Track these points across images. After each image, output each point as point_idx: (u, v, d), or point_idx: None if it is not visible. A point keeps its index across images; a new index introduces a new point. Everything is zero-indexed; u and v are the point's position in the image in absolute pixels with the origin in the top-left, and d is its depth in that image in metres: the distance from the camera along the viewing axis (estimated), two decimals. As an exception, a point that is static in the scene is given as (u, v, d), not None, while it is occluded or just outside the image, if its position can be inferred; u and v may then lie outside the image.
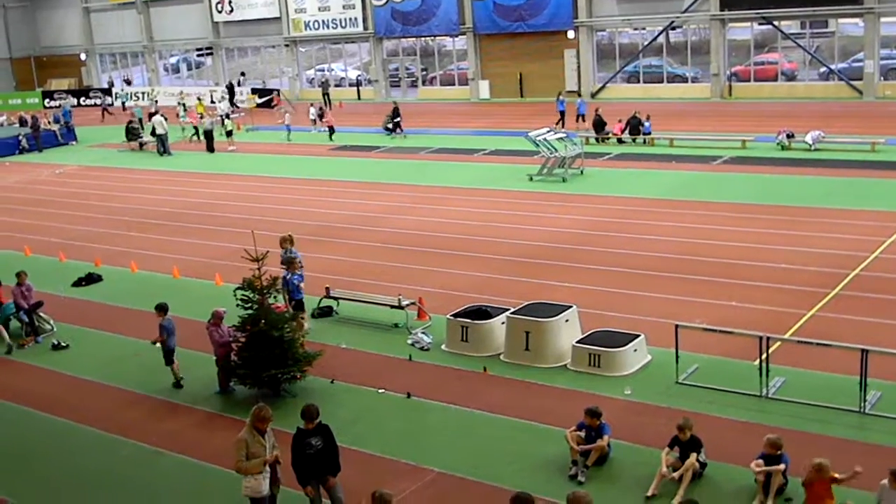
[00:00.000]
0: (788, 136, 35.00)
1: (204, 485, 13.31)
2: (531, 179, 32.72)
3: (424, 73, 62.17)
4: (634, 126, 39.00)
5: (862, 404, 13.87)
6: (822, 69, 49.10)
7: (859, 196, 27.14)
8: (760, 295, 19.26)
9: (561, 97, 45.61)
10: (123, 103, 60.93)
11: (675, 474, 12.10)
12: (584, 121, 43.44)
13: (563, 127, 42.02)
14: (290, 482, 11.35)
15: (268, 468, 11.02)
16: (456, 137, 43.85)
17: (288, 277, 18.16)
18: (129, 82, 64.63)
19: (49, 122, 52.38)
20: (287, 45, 65.40)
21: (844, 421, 13.70)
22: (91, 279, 23.76)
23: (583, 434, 12.94)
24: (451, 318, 17.69)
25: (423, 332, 18.17)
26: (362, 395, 15.89)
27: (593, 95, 53.11)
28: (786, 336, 16.50)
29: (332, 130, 46.19)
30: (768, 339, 14.89)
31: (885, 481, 10.73)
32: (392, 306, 19.06)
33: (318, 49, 66.34)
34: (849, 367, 14.17)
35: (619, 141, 39.14)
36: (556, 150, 33.41)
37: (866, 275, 20.08)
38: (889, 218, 24.19)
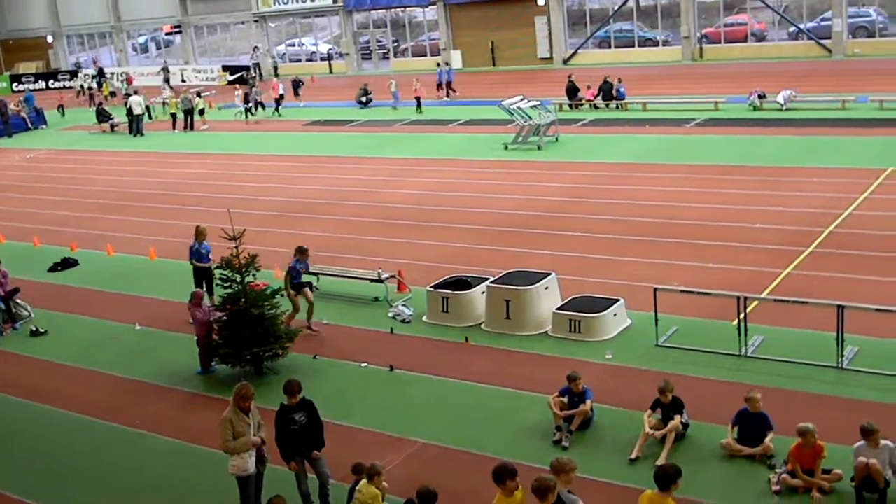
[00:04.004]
0: (760, 97, 35.13)
1: (189, 465, 13.34)
2: (506, 148, 32.71)
3: (396, 44, 61.83)
4: (606, 91, 39.02)
5: (839, 360, 14.04)
6: (791, 29, 49.19)
7: (831, 154, 27.31)
8: (737, 255, 19.41)
9: (439, 68, 47.32)
10: (100, 84, 60.30)
11: (658, 434, 12.23)
12: (441, 88, 45.40)
13: (447, 96, 44.37)
14: (276, 459, 11.39)
15: (254, 445, 11.06)
16: (430, 108, 43.67)
17: (294, 264, 17.71)
18: (101, 72, 64.00)
19: (19, 106, 51.69)
20: (256, 21, 64.84)
21: (823, 377, 13.87)
22: (67, 264, 23.62)
23: (566, 399, 13.04)
24: (431, 289, 17.73)
25: (403, 305, 18.20)
26: (345, 370, 15.94)
27: (565, 62, 53.01)
28: (763, 295, 16.68)
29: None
30: (745, 298, 15.04)
31: (859, 443, 10.86)
32: (372, 280, 19.08)
33: (287, 24, 65.83)
34: (825, 324, 14.32)
35: (594, 107, 39.16)
36: (530, 117, 33.40)
37: (840, 232, 20.27)
38: (861, 174, 24.37)
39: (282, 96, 47.30)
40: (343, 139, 38.84)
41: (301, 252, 17.73)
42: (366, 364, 16.01)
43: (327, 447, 11.51)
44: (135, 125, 44.64)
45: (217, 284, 15.82)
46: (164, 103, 48.96)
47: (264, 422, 11.33)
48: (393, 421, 13.88)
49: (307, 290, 17.75)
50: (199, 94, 46.73)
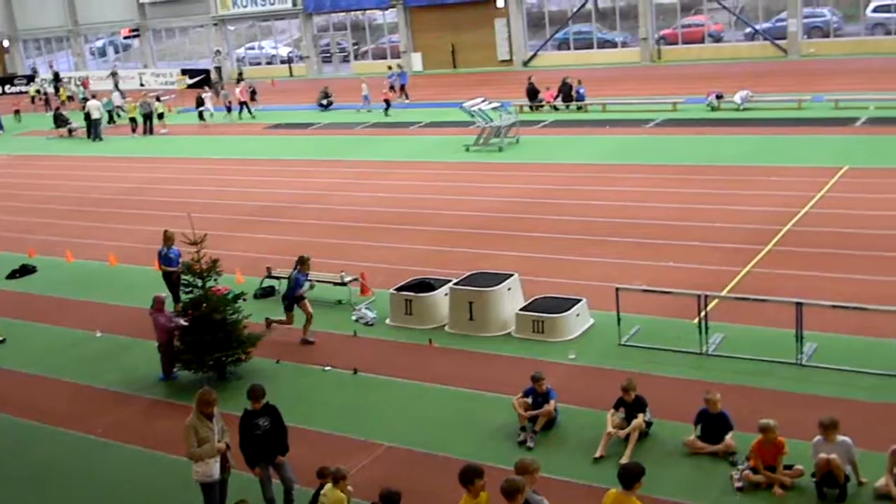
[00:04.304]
0: (718, 97, 35.51)
1: (153, 472, 13.22)
2: (468, 150, 32.78)
3: (356, 47, 61.76)
4: (566, 92, 39.23)
5: (799, 356, 14.22)
6: (748, 30, 49.77)
7: (788, 153, 27.66)
8: (697, 254, 19.60)
9: (391, 70, 48.03)
10: (56, 89, 59.64)
11: (622, 433, 12.32)
12: (394, 91, 45.44)
13: (405, 98, 44.78)
14: (241, 464, 11.33)
15: (218, 451, 11.00)
16: (391, 111, 43.66)
17: (296, 275, 17.19)
18: (57, 76, 63.38)
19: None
20: (215, 24, 64.47)
21: (783, 373, 14.03)
22: (25, 271, 23.35)
23: (530, 400, 13.09)
24: (395, 291, 17.73)
25: (366, 308, 18.19)
26: (309, 374, 15.89)
27: (525, 63, 53.24)
28: (723, 293, 16.86)
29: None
30: (706, 297, 15.20)
31: (818, 438, 11.01)
32: (335, 283, 19.04)
33: (247, 27, 65.53)
34: (785, 321, 14.51)
35: (554, 108, 39.35)
36: (491, 119, 33.51)
37: (797, 230, 20.52)
38: (817, 173, 24.70)
39: (251, 98, 47.16)
40: (304, 142, 38.74)
41: (302, 262, 17.19)
42: (329, 368, 15.97)
43: (292, 452, 11.48)
44: (93, 130, 44.21)
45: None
46: (118, 109, 48.51)
47: (228, 427, 11.27)
48: (357, 424, 13.86)
49: (306, 301, 17.26)
50: (158, 98, 46.44)
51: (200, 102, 46.31)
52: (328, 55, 62.69)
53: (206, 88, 50.97)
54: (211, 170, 34.75)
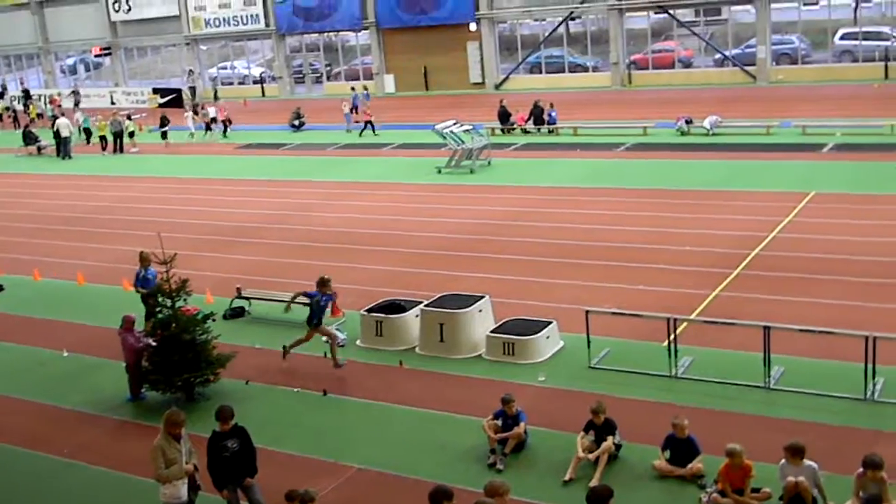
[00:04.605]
0: (687, 122, 35.84)
1: (121, 494, 13.09)
2: (440, 172, 32.86)
3: (329, 68, 61.83)
4: (538, 116, 39.46)
5: (766, 380, 14.33)
6: (717, 56, 50.31)
7: (756, 178, 27.96)
8: (666, 278, 19.72)
9: (354, 91, 48.07)
10: (26, 107, 59.20)
11: (591, 456, 12.34)
12: (356, 112, 45.51)
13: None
14: (208, 486, 11.24)
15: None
16: (365, 132, 43.74)
17: (317, 298, 16.63)
18: (27, 94, 63.06)
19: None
20: (188, 44, 64.36)
21: (751, 397, 14.13)
22: (-8, 289, 23.12)
23: (500, 422, 13.10)
24: (365, 313, 17.71)
25: (337, 329, 18.13)
26: (278, 395, 15.81)
27: (497, 87, 53.49)
28: (692, 317, 16.98)
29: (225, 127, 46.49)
30: (675, 320, 15.30)
31: (783, 461, 11.08)
32: (305, 304, 18.94)
33: (220, 47, 65.44)
34: (752, 345, 14.62)
35: (525, 131, 39.55)
36: (462, 141, 33.63)
37: (766, 254, 20.72)
38: (785, 198, 24.97)
39: (213, 120, 47.05)
40: (276, 163, 38.67)
41: (323, 284, 16.65)
42: (299, 389, 15.90)
43: (260, 474, 11.40)
44: (63, 148, 43.90)
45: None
46: (79, 127, 48.04)
47: (196, 449, 11.18)
48: (327, 446, 13.80)
49: (325, 325, 16.84)
50: (129, 117, 46.22)
51: (164, 122, 46.09)
52: (301, 76, 62.70)
53: (187, 107, 50.75)
54: (181, 189, 34.59)
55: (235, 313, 19.72)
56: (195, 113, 48.39)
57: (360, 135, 42.33)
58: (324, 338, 16.79)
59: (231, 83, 64.48)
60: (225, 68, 65.63)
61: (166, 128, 45.71)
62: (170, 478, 10.72)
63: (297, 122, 46.16)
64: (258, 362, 17.11)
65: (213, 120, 46.53)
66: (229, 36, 63.52)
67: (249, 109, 54.86)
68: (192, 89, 61.49)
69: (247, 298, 19.79)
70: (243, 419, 11.66)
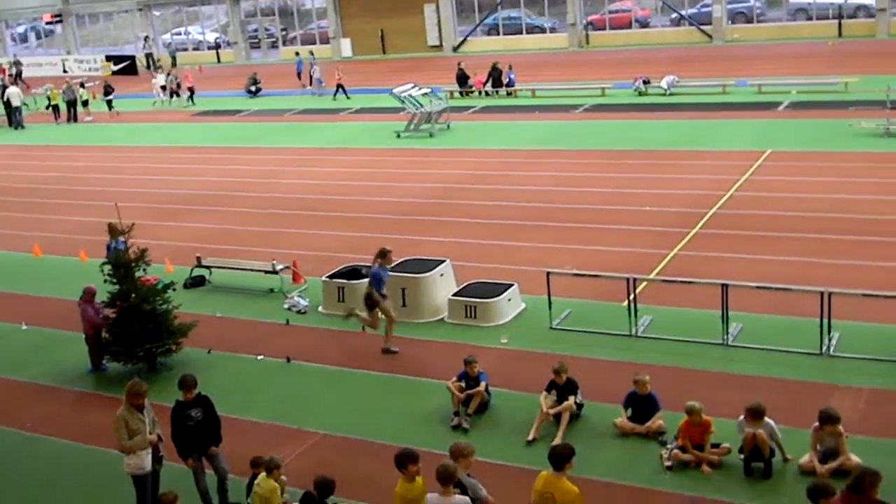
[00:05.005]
0: (645, 82, 36.00)
1: (84, 466, 13.03)
2: (399, 136, 32.76)
3: (284, 33, 61.19)
4: (496, 78, 39.40)
5: (725, 337, 14.53)
6: (674, 15, 50.45)
7: (714, 137, 28.18)
8: (626, 238, 19.86)
9: (298, 56, 48.49)
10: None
11: (552, 412, 12.46)
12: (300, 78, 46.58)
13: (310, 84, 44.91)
14: (173, 456, 11.24)
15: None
16: (320, 97, 43.47)
17: (376, 270, 15.44)
18: None
19: None
20: (140, 10, 63.32)
21: (710, 354, 14.32)
22: (-54, 263, 22.79)
23: (463, 384, 13.20)
24: (327, 279, 17.68)
25: (299, 296, 18.12)
26: (241, 363, 15.79)
27: (455, 49, 53.29)
28: (651, 276, 17.14)
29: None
30: (635, 280, 15.43)
31: (742, 418, 11.28)
32: (266, 272, 18.92)
33: (173, 12, 64.48)
34: (711, 303, 14.76)
35: (485, 94, 39.49)
36: (421, 105, 33.51)
37: (723, 213, 20.94)
38: (741, 157, 25.20)
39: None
40: (233, 129, 38.34)
41: (383, 255, 15.41)
42: (262, 356, 15.89)
43: (225, 442, 11.41)
44: (14, 118, 43.15)
45: (105, 280, 15.41)
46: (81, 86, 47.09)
47: (159, 419, 11.16)
48: (291, 413, 13.83)
49: (387, 303, 15.51)
50: (82, 85, 45.51)
51: (108, 91, 45.37)
52: (256, 41, 62.04)
53: (154, 74, 49.94)
54: (138, 158, 34.19)
55: (196, 282, 19.63)
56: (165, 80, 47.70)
57: (334, 98, 42.02)
58: (381, 315, 15.52)
59: (185, 49, 63.62)
60: (179, 34, 64.71)
61: (111, 96, 45.02)
62: (133, 448, 10.70)
63: (253, 88, 45.77)
64: (220, 331, 17.05)
65: (179, 86, 45.90)
66: (183, 1, 62.58)
67: (205, 76, 54.19)
68: (149, 56, 60.60)
69: (207, 267, 19.68)
70: (207, 388, 11.65)
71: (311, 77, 45.65)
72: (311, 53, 48.94)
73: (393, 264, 15.84)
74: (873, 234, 18.62)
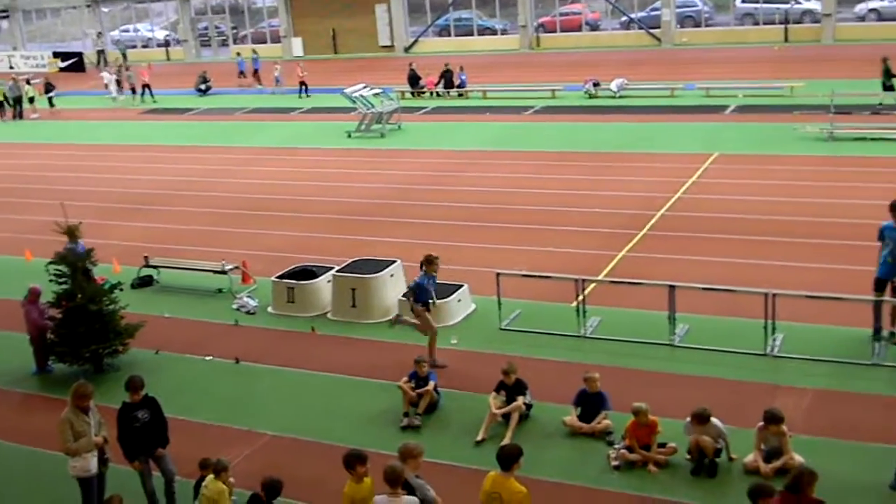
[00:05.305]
0: (595, 85, 36.27)
1: (28, 469, 12.84)
2: (349, 136, 32.71)
3: (235, 31, 60.76)
4: (448, 79, 39.49)
5: (672, 337, 14.71)
6: (623, 18, 50.90)
7: (662, 140, 28.49)
8: (575, 239, 20.02)
9: (239, 56, 48.93)
10: None
11: (501, 412, 12.52)
12: (244, 76, 47.12)
13: (258, 84, 45.32)
14: (119, 458, 11.13)
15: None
16: (271, 96, 43.25)
17: (421, 279, 14.67)
18: None
19: None
20: (89, 6, 62.46)
21: (657, 354, 14.49)
22: None
23: (413, 384, 13.23)
24: (276, 279, 17.62)
25: (248, 296, 18.02)
26: (189, 364, 15.67)
27: (406, 49, 53.29)
28: (599, 277, 17.29)
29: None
30: (584, 281, 15.57)
31: (688, 420, 11.44)
32: (215, 272, 18.80)
33: (122, 9, 63.73)
34: (658, 304, 14.95)
35: (437, 94, 39.55)
36: (372, 105, 33.48)
37: (671, 215, 21.18)
38: (689, 160, 25.51)
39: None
40: (183, 128, 37.98)
41: (429, 262, 14.65)
42: (210, 357, 15.79)
43: (172, 444, 11.32)
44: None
45: (51, 280, 15.21)
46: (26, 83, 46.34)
47: (105, 420, 11.05)
48: (240, 414, 13.75)
49: (429, 315, 14.66)
50: (28, 82, 44.80)
51: (49, 88, 44.71)
52: (206, 39, 61.53)
53: (110, 71, 49.24)
54: (85, 156, 33.76)
55: (143, 282, 19.44)
56: (118, 77, 47.12)
57: (300, 96, 41.93)
58: (425, 330, 14.71)
59: (134, 46, 62.89)
60: (127, 31, 63.97)
61: (52, 93, 44.37)
62: (79, 451, 10.58)
63: (203, 87, 45.40)
64: (168, 331, 16.91)
65: (147, 86, 45.22)
66: (131, -3, 61.96)
67: (154, 73, 53.53)
68: (101, 52, 59.80)
69: (155, 267, 19.50)
70: (154, 389, 11.56)
71: (254, 73, 45.93)
72: (255, 52, 48.74)
73: (437, 268, 14.73)
74: (817, 237, 18.96)
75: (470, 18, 54.34)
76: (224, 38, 61.08)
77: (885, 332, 14.13)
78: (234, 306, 17.83)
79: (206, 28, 61.50)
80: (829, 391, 13.00)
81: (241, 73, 46.24)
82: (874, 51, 32.26)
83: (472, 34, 53.87)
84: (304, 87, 42.02)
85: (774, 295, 14.14)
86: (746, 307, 14.84)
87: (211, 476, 10.28)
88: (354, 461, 9.06)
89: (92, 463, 10.70)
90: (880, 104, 29.52)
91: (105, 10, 63.43)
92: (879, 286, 14.21)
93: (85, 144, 36.01)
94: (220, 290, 18.67)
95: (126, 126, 39.56)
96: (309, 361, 15.34)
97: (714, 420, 11.32)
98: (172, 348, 16.21)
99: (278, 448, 12.78)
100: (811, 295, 14.74)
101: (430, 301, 14.61)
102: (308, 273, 17.60)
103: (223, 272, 18.69)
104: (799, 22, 47.08)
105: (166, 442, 11.23)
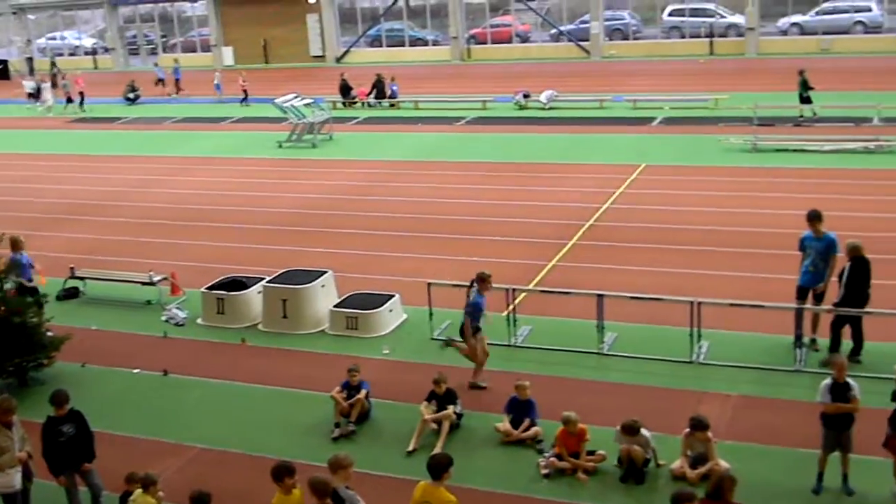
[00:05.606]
0: (525, 96, 36.63)
1: (-52, 485, 12.56)
2: (280, 146, 32.57)
3: (164, 40, 60.09)
4: (380, 89, 39.53)
5: (600, 346, 14.92)
6: (553, 31, 51.49)
7: (591, 151, 28.87)
8: (506, 249, 20.17)
9: (157, 66, 48.91)
10: None
11: (431, 418, 12.57)
12: (163, 85, 46.92)
13: (176, 93, 45.69)
14: (44, 473, 10.94)
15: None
16: (201, 106, 42.87)
17: (475, 297, 14.01)
18: None
19: None
20: (14, 13, 61.24)
21: (586, 363, 14.67)
22: None
23: (345, 393, 13.22)
24: (206, 290, 17.46)
25: (177, 308, 17.83)
26: (117, 377, 15.45)
27: (338, 60, 53.25)
28: (530, 287, 17.45)
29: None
30: (514, 290, 15.71)
31: (619, 430, 11.62)
32: (143, 283, 18.57)
33: (48, 16, 62.60)
34: (587, 313, 15.14)
35: (368, 105, 39.57)
36: (304, 116, 33.39)
37: (599, 225, 21.48)
38: (617, 170, 25.89)
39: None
40: (111, 137, 37.46)
41: (483, 280, 14.00)
42: (139, 370, 15.59)
43: (100, 458, 11.16)
44: None
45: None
46: None
47: (28, 436, 10.85)
48: (168, 427, 13.60)
49: (482, 335, 14.14)
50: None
51: None
52: (135, 47, 60.74)
53: (45, 79, 48.31)
54: (10, 165, 33.09)
55: (69, 294, 19.12)
56: (54, 85, 46.24)
57: (241, 104, 41.70)
58: (472, 354, 14.15)
59: (62, 54, 61.84)
60: (54, 38, 62.88)
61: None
62: (2, 466, 10.38)
63: (132, 96, 44.83)
64: (95, 344, 16.64)
65: (82, 93, 44.44)
66: (59, 5, 60.93)
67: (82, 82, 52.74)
68: (30, 60, 58.62)
69: (81, 278, 19.20)
70: (81, 403, 11.38)
71: (175, 83, 46.00)
72: (176, 61, 48.34)
73: (490, 286, 14.17)
74: (740, 246, 19.37)
75: (402, 29, 54.51)
76: (153, 46, 60.38)
77: (806, 339, 14.50)
78: (163, 318, 17.63)
79: (134, 36, 60.74)
80: (752, 398, 13.29)
81: (160, 81, 45.99)
82: (796, 64, 33.09)
83: (403, 45, 54.04)
84: (246, 96, 41.73)
85: (700, 303, 14.43)
86: (673, 316, 15.10)
87: (139, 490, 10.17)
88: (282, 473, 9.05)
89: (16, 479, 10.52)
90: (801, 116, 30.29)
91: (31, 17, 62.25)
92: (801, 294, 14.59)
93: (9, 154, 35.29)
94: (148, 302, 18.44)
95: (53, 135, 38.87)
96: (239, 373, 15.23)
97: (643, 431, 11.51)
98: (100, 361, 15.97)
99: (207, 461, 12.67)
100: (735, 303, 15.08)
101: (480, 324, 13.98)
102: (238, 284, 17.48)
103: (152, 283, 18.47)
104: (724, 35, 48.12)
105: (93, 456, 11.07)
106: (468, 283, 14.13)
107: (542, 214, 22.47)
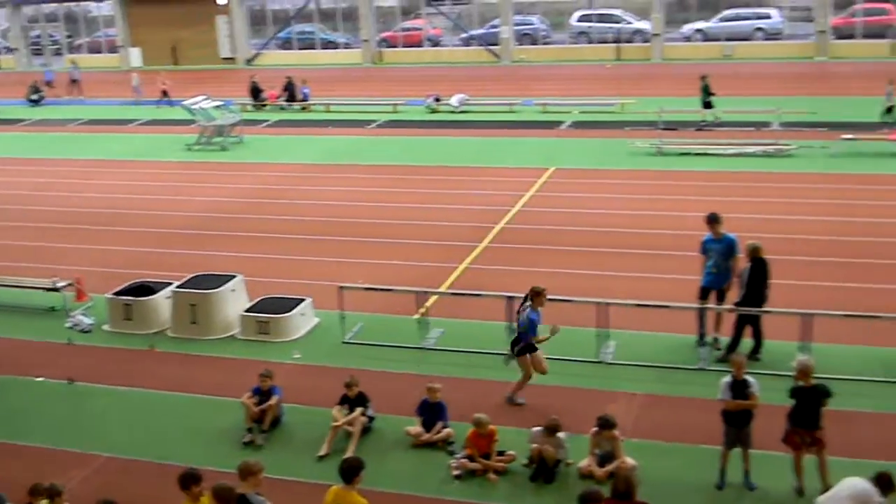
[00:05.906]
0: (436, 100, 36.80)
1: None
2: (189, 149, 32.14)
3: (70, 40, 58.75)
4: (291, 92, 39.30)
5: (510, 348, 15.05)
6: (464, 35, 51.83)
7: (501, 154, 29.16)
8: (417, 252, 20.27)
9: (47, 67, 48.70)
10: None
11: (343, 421, 12.58)
12: (50, 86, 46.15)
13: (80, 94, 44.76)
14: (-57, 485, 10.66)
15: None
16: (108, 108, 42.05)
17: (529, 314, 13.37)
18: None
19: None
20: None
21: (496, 364, 14.78)
22: None
23: (257, 399, 13.14)
24: (113, 296, 17.16)
25: (82, 314, 17.49)
26: (19, 386, 15.09)
27: (248, 62, 52.76)
28: (441, 289, 17.56)
29: None
30: (425, 293, 15.81)
31: (535, 429, 11.79)
32: (47, 289, 18.14)
33: (-57, 14, 60.76)
34: (497, 314, 15.32)
35: (281, 108, 39.30)
36: (213, 118, 33.02)
37: (509, 227, 21.72)
38: (527, 174, 26.20)
39: None
40: (12, 140, 36.47)
41: (536, 295, 13.41)
42: (42, 378, 15.24)
43: (2, 469, 10.97)
44: None
45: None
46: None
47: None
48: (74, 436, 13.34)
49: (539, 354, 13.54)
50: None
51: None
52: (39, 48, 59.25)
53: None
54: None
55: (-30, 301, 18.61)
56: None
57: (157, 107, 40.97)
58: (521, 370, 13.58)
59: (-42, 54, 60.09)
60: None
61: None
62: None
63: (35, 97, 43.75)
64: (-4, 352, 16.26)
65: None
66: (-45, 3, 59.10)
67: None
68: None
69: (-18, 285, 18.70)
70: (-20, 413, 11.12)
71: (72, 83, 45.21)
72: (73, 62, 47.42)
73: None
74: (646, 248, 19.79)
75: (312, 32, 54.28)
76: (58, 46, 58.96)
77: (709, 339, 14.92)
78: (68, 325, 17.27)
79: (38, 36, 59.24)
80: (657, 396, 13.61)
81: (49, 82, 45.62)
82: (700, 69, 33.87)
83: (314, 48, 53.79)
84: (165, 97, 41.05)
85: (607, 304, 14.72)
86: (581, 316, 15.32)
87: (45, 502, 9.97)
88: (189, 481, 9.00)
89: (-88, 492, 10.22)
90: (703, 121, 31.05)
91: (-74, 15, 60.36)
92: (704, 295, 14.99)
93: None
94: (52, 308, 18.04)
95: (-51, 137, 37.71)
96: (147, 380, 15.01)
97: (560, 434, 11.70)
98: (0, 370, 15.57)
99: (114, 470, 12.47)
100: (641, 304, 15.42)
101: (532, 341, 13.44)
102: (146, 289, 17.22)
103: (55, 289, 18.04)
104: (630, 41, 49.01)
105: (-6, 467, 10.82)
106: (521, 298, 13.51)
107: (454, 217, 22.62)
